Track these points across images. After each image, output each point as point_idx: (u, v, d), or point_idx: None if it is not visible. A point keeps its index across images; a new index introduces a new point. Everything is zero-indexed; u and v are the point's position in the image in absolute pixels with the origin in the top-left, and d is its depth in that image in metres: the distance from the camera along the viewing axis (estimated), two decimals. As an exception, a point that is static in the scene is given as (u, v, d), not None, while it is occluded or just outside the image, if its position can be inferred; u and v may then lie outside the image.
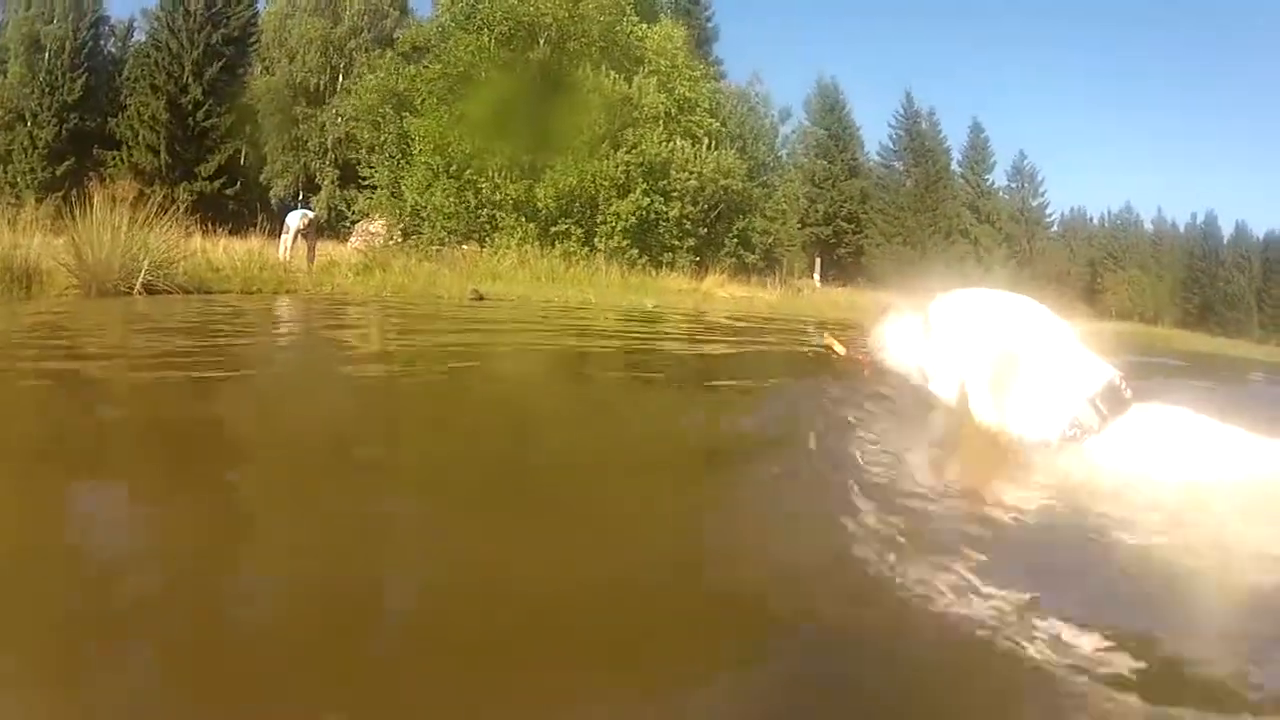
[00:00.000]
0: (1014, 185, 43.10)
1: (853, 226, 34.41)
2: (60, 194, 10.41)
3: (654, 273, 21.94)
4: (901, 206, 36.54)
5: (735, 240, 24.84)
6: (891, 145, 38.47)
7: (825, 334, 2.43)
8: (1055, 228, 47.28)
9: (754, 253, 25.43)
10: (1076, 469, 1.58)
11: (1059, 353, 1.69)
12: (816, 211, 32.01)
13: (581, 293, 15.84)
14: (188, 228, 10.51)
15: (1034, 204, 44.44)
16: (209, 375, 2.73)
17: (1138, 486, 1.52)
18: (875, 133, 55.30)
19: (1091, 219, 51.61)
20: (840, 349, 2.24)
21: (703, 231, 23.71)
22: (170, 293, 8.46)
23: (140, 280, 8.13)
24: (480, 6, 23.20)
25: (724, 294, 21.40)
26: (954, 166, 39.31)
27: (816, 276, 28.93)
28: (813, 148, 33.13)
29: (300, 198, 15.78)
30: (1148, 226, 52.29)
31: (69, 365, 2.83)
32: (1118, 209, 52.28)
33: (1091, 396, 1.61)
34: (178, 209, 9.49)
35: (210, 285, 9.48)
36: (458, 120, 21.90)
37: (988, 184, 40.77)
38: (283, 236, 14.92)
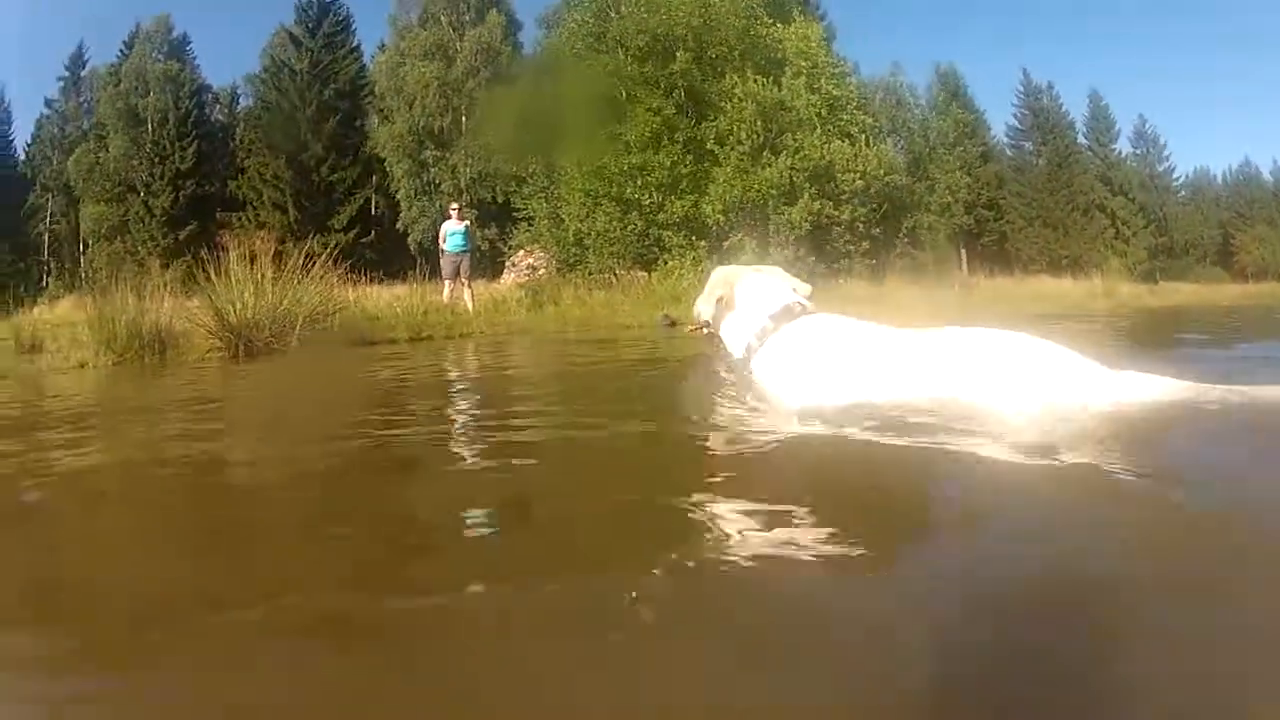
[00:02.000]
0: (1139, 152, 40.67)
1: (993, 214, 32.42)
2: (186, 259, 9.46)
3: (833, 281, 20.41)
4: (1037, 187, 34.42)
5: (905, 240, 23.18)
6: (1018, 125, 36.51)
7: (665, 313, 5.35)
8: (1183, 192, 44.46)
9: (924, 250, 23.63)
10: (744, 375, 2.44)
11: (759, 292, 2.45)
12: (957, 202, 30.11)
13: None
14: (338, 277, 9.56)
15: (1160, 169, 41.87)
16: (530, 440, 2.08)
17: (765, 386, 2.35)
18: (999, 115, 52.01)
19: (1215, 178, 48.48)
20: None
21: (875, 233, 22.07)
22: (330, 346, 7.79)
23: (296, 335, 7.54)
24: (609, 26, 22.13)
25: (905, 296, 19.86)
26: (1080, 140, 37.09)
27: (964, 268, 26.91)
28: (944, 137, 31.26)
29: (452, 207, 14.76)
30: (1267, 179, 49.02)
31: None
32: (1237, 164, 49.09)
33: (771, 314, 2.37)
34: (323, 259, 8.75)
35: (371, 335, 8.81)
36: (610, 141, 20.75)
37: (1115, 154, 38.44)
38: (443, 264, 14.34)
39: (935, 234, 24.17)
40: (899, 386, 2.03)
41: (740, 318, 2.44)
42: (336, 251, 9.03)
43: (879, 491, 1.48)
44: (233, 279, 8.02)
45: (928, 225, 24.08)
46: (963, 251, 30.26)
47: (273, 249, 8.82)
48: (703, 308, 2.61)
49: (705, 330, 2.67)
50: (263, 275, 8.10)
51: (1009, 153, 36.36)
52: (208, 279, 7.99)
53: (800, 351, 2.25)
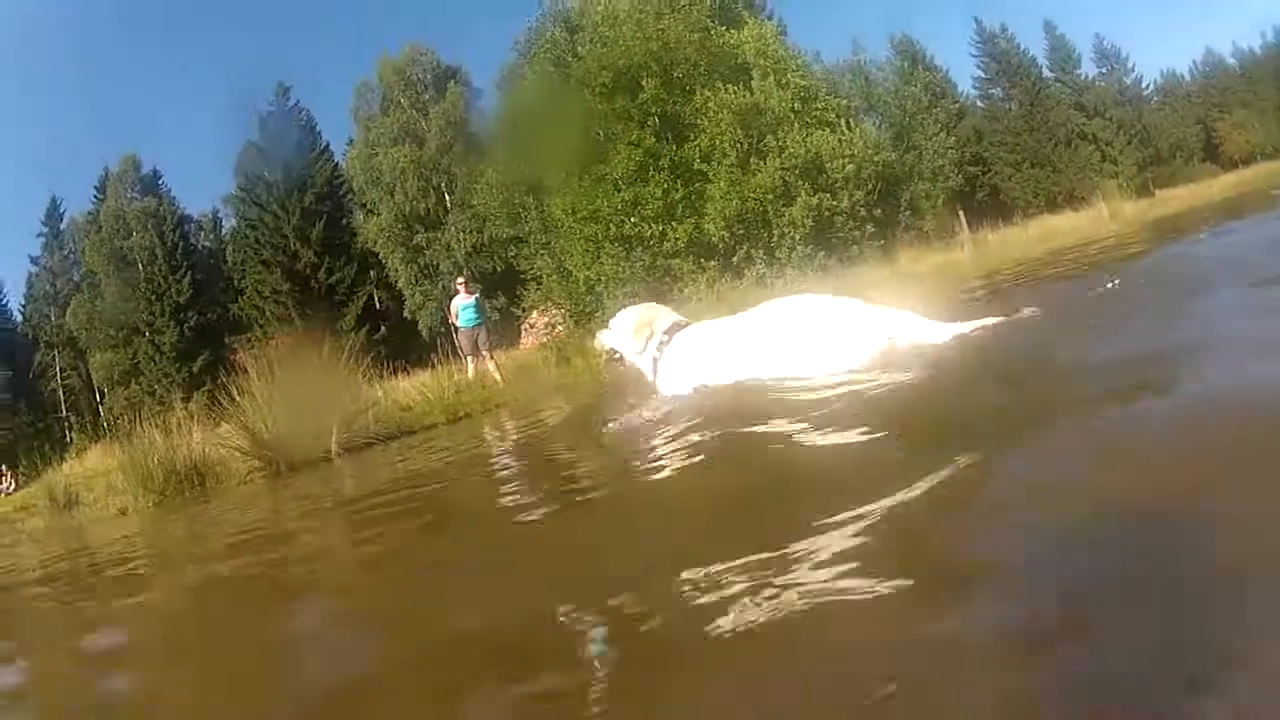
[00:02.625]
0: (1104, 71, 40.52)
1: (980, 168, 32.28)
2: (206, 388, 9.16)
3: (845, 270, 20.32)
4: (1016, 130, 34.30)
5: (907, 211, 23.02)
6: (983, 74, 36.45)
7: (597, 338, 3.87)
8: (1156, 98, 44.26)
9: (925, 219, 23.46)
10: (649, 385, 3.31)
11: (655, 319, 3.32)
12: (948, 163, 29.97)
13: None
14: (361, 374, 9.34)
15: (1128, 82, 41.73)
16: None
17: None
18: (962, 70, 51.13)
19: (1184, 78, 48.32)
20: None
21: (877, 213, 21.92)
22: (370, 445, 7.57)
23: (335, 441, 7.29)
24: (570, 70, 22.16)
25: (922, 268, 19.73)
26: (1045, 73, 36.97)
27: (965, 228, 26.72)
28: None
29: (458, 282, 14.64)
30: (1231, 63, 48.86)
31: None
32: (1200, 57, 48.97)
33: (663, 332, 3.24)
34: (343, 360, 8.49)
35: (409, 425, 8.61)
36: (597, 183, 20.72)
37: (1082, 79, 38.29)
38: (460, 341, 14.15)
39: (934, 200, 24.01)
40: (728, 370, 2.89)
41: (653, 340, 3.27)
42: (353, 352, 8.74)
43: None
44: (258, 396, 7.79)
45: (924, 194, 23.92)
46: (960, 212, 30.13)
47: (290, 345, 8.59)
48: (616, 339, 3.47)
49: (616, 356, 3.50)
50: (285, 389, 7.81)
51: (980, 104, 36.32)
52: (232, 401, 7.85)
53: (676, 359, 3.19)
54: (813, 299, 2.89)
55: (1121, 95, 40.52)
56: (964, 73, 46.17)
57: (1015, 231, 27.09)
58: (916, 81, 30.16)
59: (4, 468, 25.79)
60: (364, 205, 29.16)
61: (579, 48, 22.40)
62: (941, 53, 37.36)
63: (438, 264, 27.61)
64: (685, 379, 3.11)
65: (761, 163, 20.71)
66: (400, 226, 27.44)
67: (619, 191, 20.44)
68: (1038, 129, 34.35)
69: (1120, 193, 26.64)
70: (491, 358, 13.96)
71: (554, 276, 21.28)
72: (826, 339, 2.65)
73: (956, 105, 33.39)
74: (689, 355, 3.13)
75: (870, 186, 21.83)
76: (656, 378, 3.26)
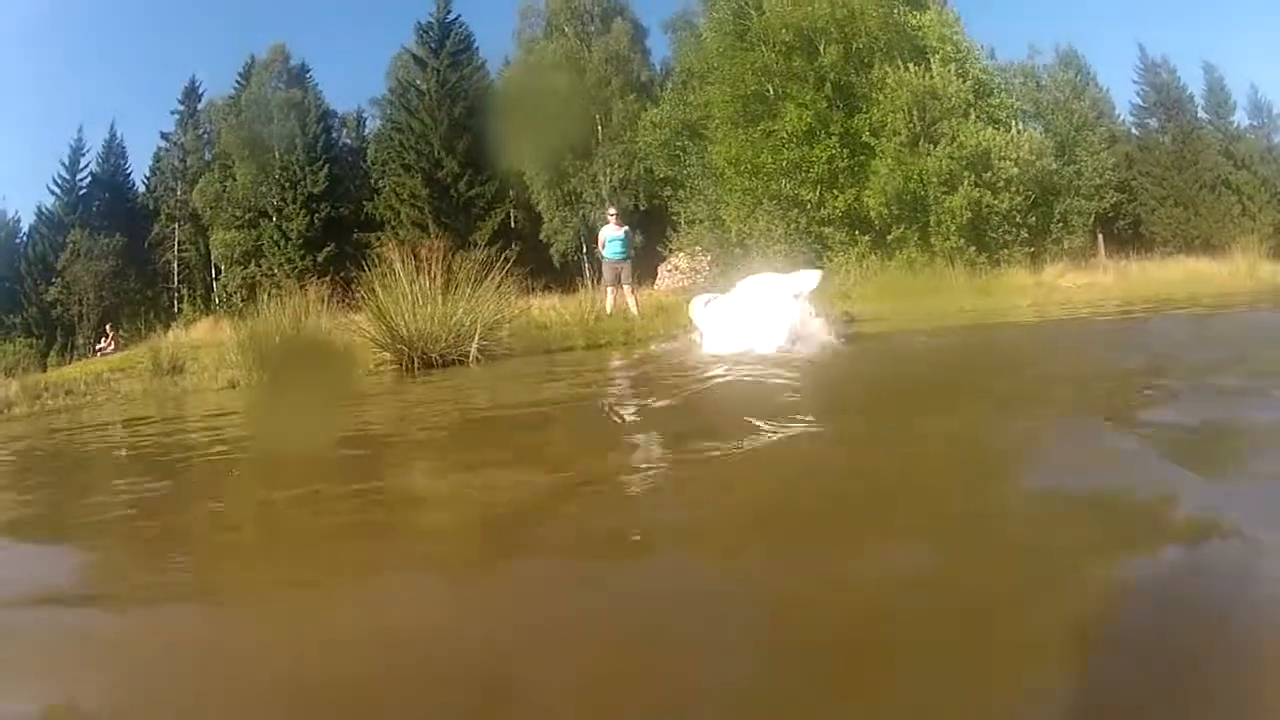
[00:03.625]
0: (1255, 123, 39.01)
1: (1126, 195, 31.50)
2: (326, 278, 9.22)
3: (993, 270, 20.12)
4: (1165, 165, 33.30)
5: (1059, 224, 22.61)
6: (1141, 102, 35.43)
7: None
8: (1303, 162, 42.44)
9: (1077, 235, 23.00)
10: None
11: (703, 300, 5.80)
12: (1105, 184, 29.27)
13: (955, 301, 14.04)
14: (515, 287, 9.36)
15: (1277, 140, 40.10)
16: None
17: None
18: (1121, 92, 48.89)
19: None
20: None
21: (1031, 220, 21.59)
22: (508, 357, 7.63)
23: (475, 346, 7.40)
24: (750, 24, 22.09)
25: (1066, 283, 19.40)
26: (1200, 114, 35.78)
27: (1102, 253, 26.19)
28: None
29: (610, 212, 14.60)
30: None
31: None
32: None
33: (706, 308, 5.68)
34: (498, 267, 8.51)
35: (545, 344, 8.70)
36: (765, 137, 20.73)
37: (1234, 127, 36.94)
38: (604, 271, 14.07)
39: (1086, 218, 23.53)
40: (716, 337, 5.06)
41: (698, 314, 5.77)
42: (490, 265, 8.57)
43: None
44: (399, 291, 7.86)
45: (1077, 210, 23.45)
46: (1100, 236, 29.51)
47: (442, 253, 8.61)
48: (691, 309, 5.91)
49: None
50: (432, 285, 7.91)
51: (1134, 132, 35.30)
52: (370, 292, 7.86)
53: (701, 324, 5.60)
54: (761, 280, 5.35)
55: (1268, 152, 39.01)
56: (1121, 95, 44.60)
57: (1154, 267, 26.44)
58: (1086, 96, 29.45)
59: (106, 328, 26.78)
60: (514, 125, 29.47)
61: (762, 2, 22.25)
62: (1101, 71, 35.95)
63: (581, 193, 27.88)
64: (704, 340, 5.46)
65: (931, 147, 20.53)
66: (549, 151, 27.76)
67: (784, 150, 20.43)
68: (1186, 169, 33.29)
69: (1258, 250, 25.83)
70: (633, 293, 13.96)
71: (706, 223, 21.39)
72: (765, 318, 4.78)
73: (1111, 127, 32.48)
74: (703, 324, 5.59)
75: (1029, 193, 21.54)
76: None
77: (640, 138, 23.90)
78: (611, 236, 13.98)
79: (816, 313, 5.34)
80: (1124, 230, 31.02)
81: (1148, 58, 35.93)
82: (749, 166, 20.39)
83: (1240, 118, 39.13)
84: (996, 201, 20.68)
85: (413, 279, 7.88)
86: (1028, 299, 15.46)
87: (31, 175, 56.72)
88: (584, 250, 27.08)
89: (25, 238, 36.04)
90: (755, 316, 4.74)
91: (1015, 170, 20.89)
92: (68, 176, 36.04)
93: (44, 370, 18.28)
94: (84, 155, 36.49)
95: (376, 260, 8.77)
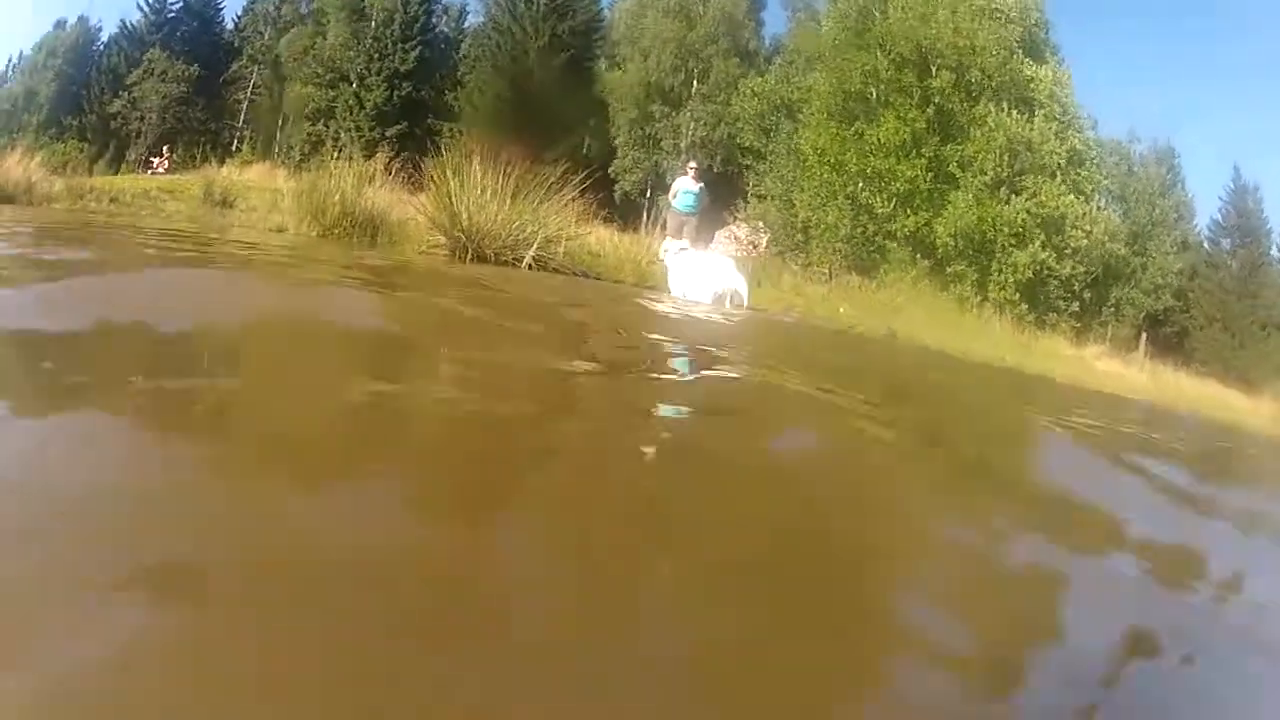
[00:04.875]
0: (1322, 277, 38.73)
1: (1180, 305, 31.36)
2: (394, 154, 9.36)
3: (1037, 333, 20.14)
4: (1226, 289, 33.10)
5: (1112, 310, 22.67)
6: (1221, 221, 35.14)
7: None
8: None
9: (1125, 325, 23.07)
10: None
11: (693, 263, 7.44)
12: (1167, 286, 29.20)
13: (994, 350, 14.08)
14: (583, 211, 9.44)
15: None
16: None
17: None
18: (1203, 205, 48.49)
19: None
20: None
21: (1086, 296, 21.62)
22: (560, 272, 7.55)
23: (531, 255, 7.30)
24: (872, 25, 21.94)
25: (1102, 367, 19.41)
26: (1274, 250, 35.52)
27: (1142, 352, 26.13)
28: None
29: (691, 165, 14.64)
30: None
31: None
32: None
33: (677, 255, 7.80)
34: (570, 184, 8.17)
35: (595, 270, 8.60)
36: (856, 138, 20.68)
37: (1301, 271, 36.70)
38: (669, 221, 14.01)
39: (1138, 312, 23.55)
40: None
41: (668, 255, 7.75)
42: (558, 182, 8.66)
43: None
44: (469, 181, 7.64)
45: (1131, 301, 23.47)
46: (1143, 334, 29.45)
47: (525, 161, 8.68)
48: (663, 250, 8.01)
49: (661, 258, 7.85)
50: (504, 186, 7.64)
51: (1206, 246, 35.04)
52: (442, 175, 7.66)
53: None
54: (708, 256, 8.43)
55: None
56: (1203, 207, 44.01)
57: (1187, 382, 26.35)
58: (1171, 197, 29.31)
59: (164, 149, 26.82)
60: (613, 58, 29.36)
61: (890, 8, 22.08)
62: (1192, 177, 35.68)
63: (661, 139, 27.84)
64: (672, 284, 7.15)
65: (1013, 196, 20.50)
66: (639, 90, 27.64)
67: (873, 157, 20.39)
68: (1245, 298, 33.09)
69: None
70: (692, 247, 14.15)
71: (776, 202, 21.40)
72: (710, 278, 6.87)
73: (1185, 235, 32.30)
74: (672, 267, 7.37)
75: (1091, 268, 21.55)
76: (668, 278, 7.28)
77: (736, 103, 23.90)
78: (686, 189, 14.07)
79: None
80: (1169, 337, 30.91)
81: (1240, 179, 35.55)
82: (833, 160, 20.33)
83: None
84: (1059, 266, 20.70)
85: (486, 174, 8.04)
86: (1063, 369, 15.58)
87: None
88: (648, 194, 27.07)
89: (103, 47, 36.32)
90: (714, 278, 7.13)
91: (1085, 242, 20.90)
92: (160, -1, 35.79)
93: (90, 175, 18.37)
94: (181, -21, 36.24)
95: (450, 148, 8.88)
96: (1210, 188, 46.01)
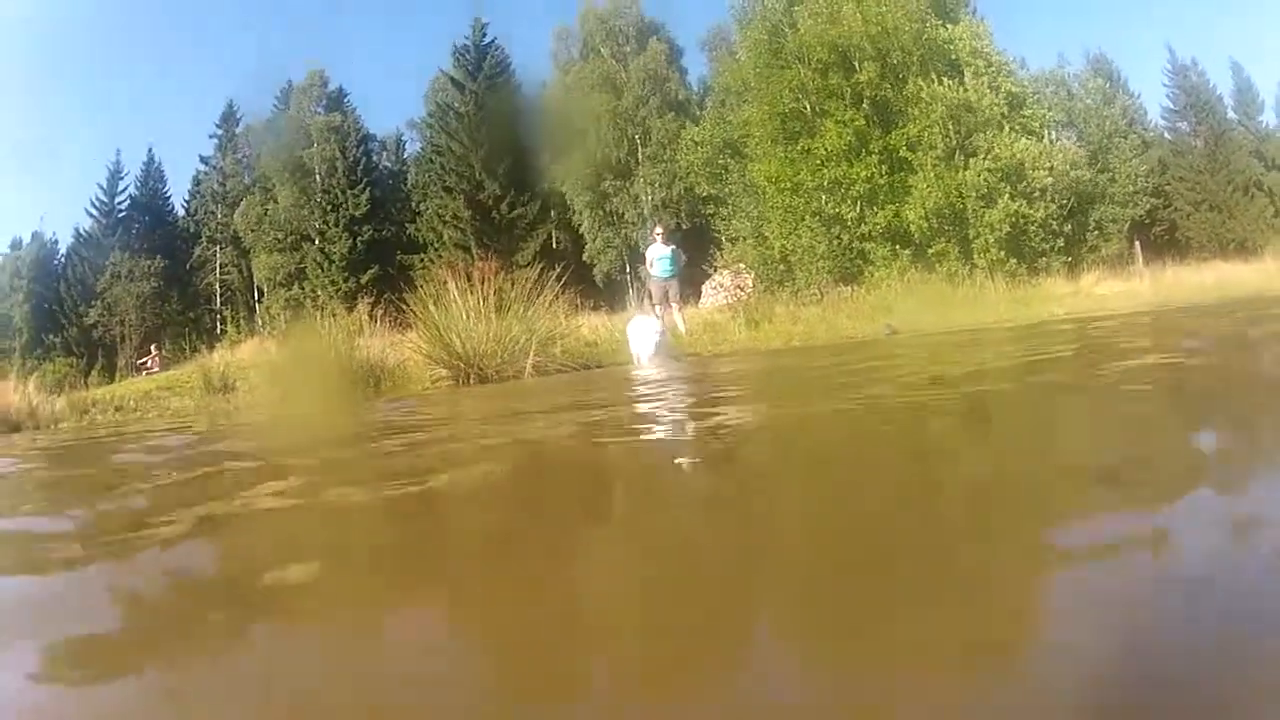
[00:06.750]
0: (1283, 122, 38.85)
1: (1161, 201, 31.54)
2: (372, 300, 9.69)
3: (1032, 280, 20.40)
4: (1198, 169, 33.32)
5: (1094, 232, 22.93)
6: (1172, 105, 35.48)
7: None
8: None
9: (1113, 242, 23.28)
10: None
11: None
12: (1139, 190, 29.40)
13: (992, 314, 14.30)
14: (567, 305, 9.81)
15: (1306, 139, 39.89)
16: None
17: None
18: (1151, 97, 48.43)
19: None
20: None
21: (1067, 229, 21.89)
22: (561, 372, 7.92)
23: (530, 362, 7.66)
24: (786, 43, 22.56)
25: (1102, 290, 19.59)
26: (1230, 115, 35.72)
27: (1140, 260, 26.30)
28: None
29: (656, 231, 15.02)
30: None
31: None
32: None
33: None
34: (550, 285, 8.85)
35: (595, 360, 9.06)
36: (804, 155, 21.19)
37: (1263, 127, 36.84)
38: (651, 289, 14.38)
39: (1120, 226, 23.79)
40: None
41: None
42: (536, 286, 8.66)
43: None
44: (453, 308, 8.10)
45: (1112, 218, 23.73)
46: (1137, 243, 29.61)
47: (493, 273, 8.98)
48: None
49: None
50: (485, 303, 8.14)
51: (1167, 136, 35.29)
52: (424, 310, 8.10)
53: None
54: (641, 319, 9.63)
55: (1299, 151, 38.78)
56: (1152, 99, 44.33)
57: (1188, 273, 26.48)
58: (1117, 103, 29.66)
59: (151, 347, 27.40)
60: (554, 147, 30.19)
61: (797, 20, 22.69)
62: (1133, 76, 35.93)
63: (623, 213, 28.45)
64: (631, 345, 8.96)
65: (967, 160, 20.88)
66: (589, 172, 28.34)
67: (824, 168, 20.86)
68: (1219, 171, 33.26)
69: (1285, 252, 25.85)
70: (680, 310, 14.27)
71: (749, 240, 21.87)
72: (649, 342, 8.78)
73: (1143, 133, 32.55)
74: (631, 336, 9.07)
75: (1063, 201, 21.84)
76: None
77: (681, 156, 24.52)
78: (660, 255, 14.36)
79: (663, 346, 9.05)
80: (1161, 236, 30.99)
81: (1177, 60, 35.97)
82: (789, 184, 20.82)
83: (1269, 118, 39.05)
84: (1032, 211, 20.99)
85: (465, 297, 8.21)
86: (1063, 308, 15.81)
87: (70, 196, 57.65)
88: (627, 270, 27.64)
89: (63, 259, 36.56)
90: (646, 340, 8.77)
91: (1050, 180, 21.21)
92: (106, 199, 36.72)
93: (87, 389, 18.80)
94: (122, 178, 37.28)
95: (423, 281, 9.22)
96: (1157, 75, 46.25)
